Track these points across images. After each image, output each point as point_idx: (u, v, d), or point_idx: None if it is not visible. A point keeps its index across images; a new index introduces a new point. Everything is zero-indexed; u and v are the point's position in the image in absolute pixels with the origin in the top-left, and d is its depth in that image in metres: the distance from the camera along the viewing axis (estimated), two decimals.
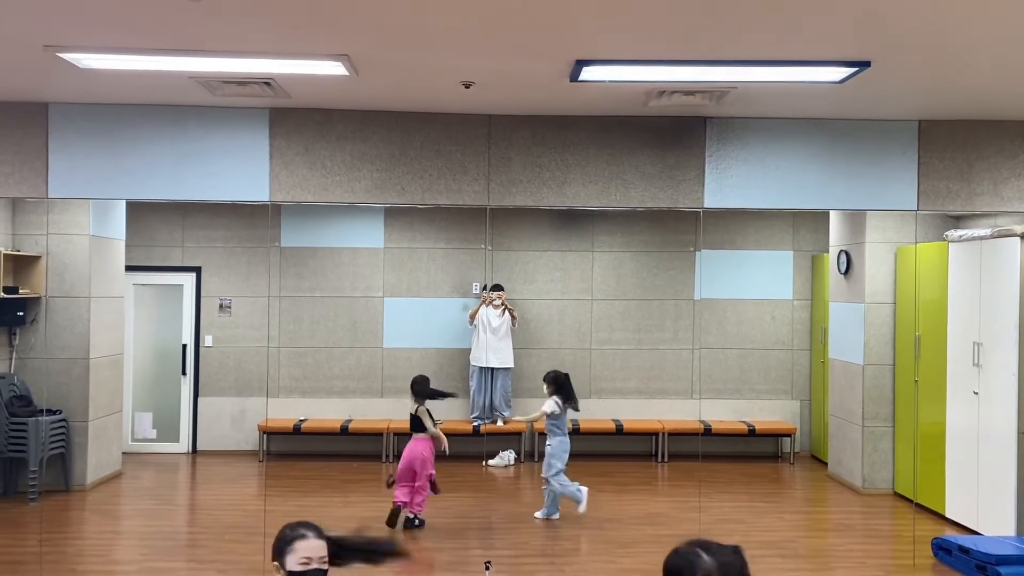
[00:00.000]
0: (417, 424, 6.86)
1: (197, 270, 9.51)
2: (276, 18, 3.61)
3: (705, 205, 5.38)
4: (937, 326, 7.17)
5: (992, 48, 3.95)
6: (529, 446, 9.24)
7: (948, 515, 7.02)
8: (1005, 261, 6.37)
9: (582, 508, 6.87)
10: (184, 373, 9.45)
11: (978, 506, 6.65)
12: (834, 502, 7.82)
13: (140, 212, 9.18)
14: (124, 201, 8.18)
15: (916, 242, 7.68)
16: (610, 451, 9.42)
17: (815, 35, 3.79)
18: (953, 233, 7.06)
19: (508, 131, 5.38)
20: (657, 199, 5.40)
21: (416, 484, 6.69)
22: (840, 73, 4.32)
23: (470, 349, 9.22)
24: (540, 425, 7.53)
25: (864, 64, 4.17)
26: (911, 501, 7.33)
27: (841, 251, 8.34)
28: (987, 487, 6.55)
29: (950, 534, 6.51)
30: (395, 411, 9.41)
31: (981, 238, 6.67)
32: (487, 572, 4.37)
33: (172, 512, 7.51)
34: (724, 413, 9.56)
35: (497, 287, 9.20)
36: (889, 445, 7.93)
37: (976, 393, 6.68)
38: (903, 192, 5.42)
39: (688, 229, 9.63)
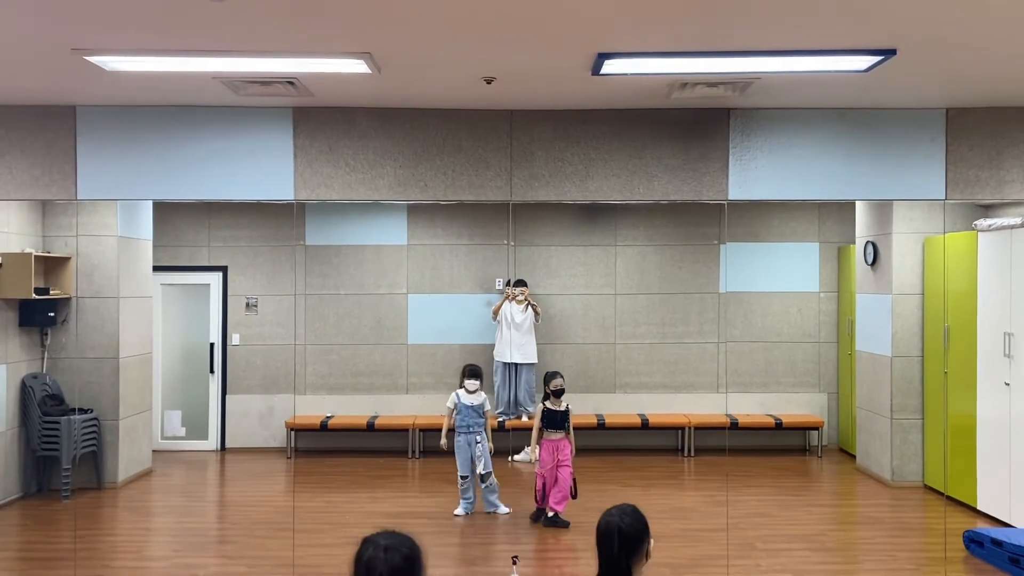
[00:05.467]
0: (563, 420, 6.75)
1: (223, 269, 9.60)
2: (299, 17, 3.63)
3: (730, 197, 5.34)
4: (966, 317, 7.08)
5: (1021, 32, 3.89)
6: None
7: (980, 507, 6.93)
8: None
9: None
10: (212, 371, 9.55)
11: (1010, 498, 6.57)
12: (863, 495, 7.75)
13: (167, 213, 9.29)
14: (151, 202, 8.28)
15: (944, 232, 7.59)
16: (636, 446, 9.40)
17: (839, 23, 3.75)
18: (982, 222, 6.96)
19: (530, 126, 5.37)
20: (681, 192, 5.37)
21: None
22: (865, 62, 4.27)
23: (494, 345, 9.23)
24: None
25: (890, 52, 4.12)
26: (941, 494, 7.26)
27: (868, 242, 8.25)
28: (1020, 478, 6.46)
29: (982, 526, 6.44)
30: (420, 407, 9.46)
31: (1011, 227, 6.57)
32: (515, 566, 4.38)
33: (202, 509, 7.60)
34: (751, 407, 9.51)
35: (520, 282, 9.20)
36: (918, 437, 7.84)
37: (1008, 384, 6.59)
38: (931, 181, 5.35)
39: (712, 222, 9.58)
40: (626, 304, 9.60)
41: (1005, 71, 4.54)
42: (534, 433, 6.85)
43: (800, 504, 7.43)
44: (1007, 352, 6.59)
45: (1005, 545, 5.64)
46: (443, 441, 7.06)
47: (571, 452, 6.75)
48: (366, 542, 2.23)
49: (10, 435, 7.35)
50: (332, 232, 9.57)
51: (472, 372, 7.02)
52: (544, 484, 6.68)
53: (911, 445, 7.85)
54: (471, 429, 6.90)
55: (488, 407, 7.09)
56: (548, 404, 6.77)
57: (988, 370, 6.84)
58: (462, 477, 6.89)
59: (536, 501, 6.77)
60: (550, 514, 6.60)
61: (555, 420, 6.72)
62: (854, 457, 8.80)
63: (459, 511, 6.90)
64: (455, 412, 6.96)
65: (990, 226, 6.83)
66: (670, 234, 9.61)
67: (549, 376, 6.90)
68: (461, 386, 7.01)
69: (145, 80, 4.67)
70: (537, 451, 6.75)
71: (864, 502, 7.56)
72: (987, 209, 7.48)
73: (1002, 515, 6.64)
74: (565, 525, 6.56)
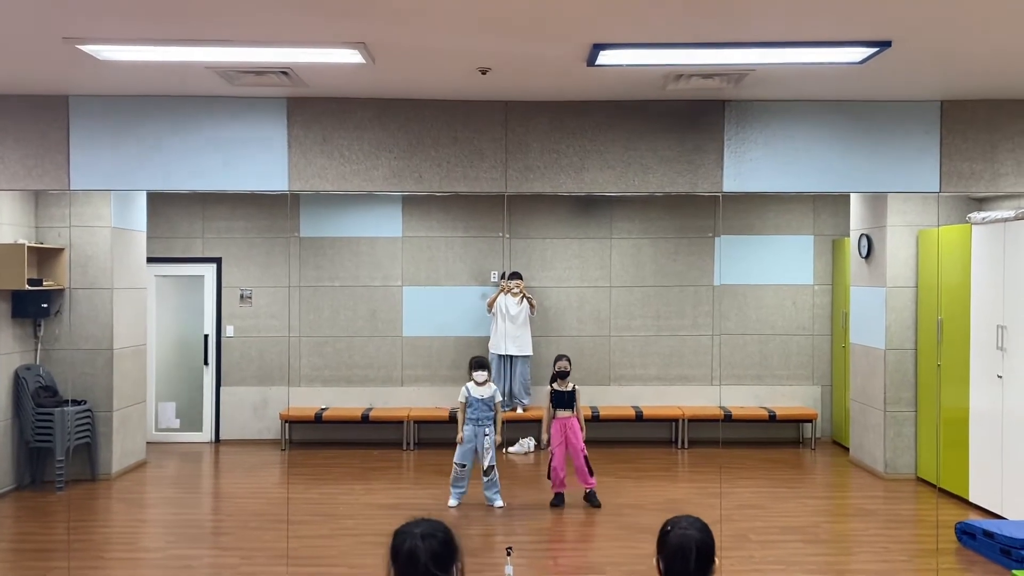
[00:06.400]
0: (570, 400, 7.02)
1: (217, 261, 9.58)
2: (293, 6, 3.61)
3: (724, 189, 5.34)
4: (960, 309, 7.10)
5: (1017, 25, 3.89)
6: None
7: (972, 499, 6.97)
8: None
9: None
10: (206, 363, 9.53)
11: (1002, 490, 6.60)
12: (856, 487, 7.78)
13: (160, 204, 9.25)
14: (145, 193, 8.25)
15: (938, 225, 7.60)
16: (629, 438, 9.42)
17: (834, 15, 3.74)
18: (976, 215, 6.97)
19: (525, 117, 5.36)
20: (676, 184, 5.36)
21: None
22: (860, 53, 4.27)
23: (489, 337, 9.23)
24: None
25: (885, 44, 4.12)
26: (934, 486, 7.29)
27: (862, 235, 8.27)
28: (1012, 471, 6.49)
29: (974, 518, 6.47)
30: (415, 399, 9.46)
31: (1005, 220, 6.59)
32: (509, 557, 4.38)
33: (196, 500, 7.60)
34: (744, 399, 9.53)
35: (515, 275, 9.20)
36: (911, 430, 7.87)
37: (1000, 376, 6.62)
38: (925, 174, 5.35)
39: (707, 215, 9.58)
40: (621, 297, 9.61)
41: (1000, 64, 4.54)
42: (545, 417, 7.10)
43: (793, 496, 7.46)
44: (1000, 345, 6.61)
45: (997, 537, 5.67)
46: (460, 436, 7.03)
47: (581, 430, 7.02)
48: (400, 534, 2.23)
49: (3, 427, 7.33)
50: (327, 224, 9.55)
51: (478, 364, 7.06)
52: (554, 460, 6.90)
53: (904, 437, 7.88)
54: (480, 421, 6.93)
55: (499, 398, 7.10)
56: (555, 385, 7.08)
57: (981, 363, 6.86)
58: (460, 466, 6.89)
59: (551, 482, 6.96)
60: (587, 491, 6.93)
61: (562, 399, 7.03)
62: (847, 449, 8.83)
63: (452, 502, 6.91)
64: (467, 405, 6.98)
65: (984, 219, 6.84)
66: (665, 227, 9.61)
67: (556, 359, 7.24)
68: (470, 379, 7.02)
69: (138, 70, 4.65)
70: (547, 434, 7.03)
71: (857, 494, 7.59)
72: (981, 202, 7.49)
73: (994, 507, 6.67)
74: (597, 505, 6.88)
